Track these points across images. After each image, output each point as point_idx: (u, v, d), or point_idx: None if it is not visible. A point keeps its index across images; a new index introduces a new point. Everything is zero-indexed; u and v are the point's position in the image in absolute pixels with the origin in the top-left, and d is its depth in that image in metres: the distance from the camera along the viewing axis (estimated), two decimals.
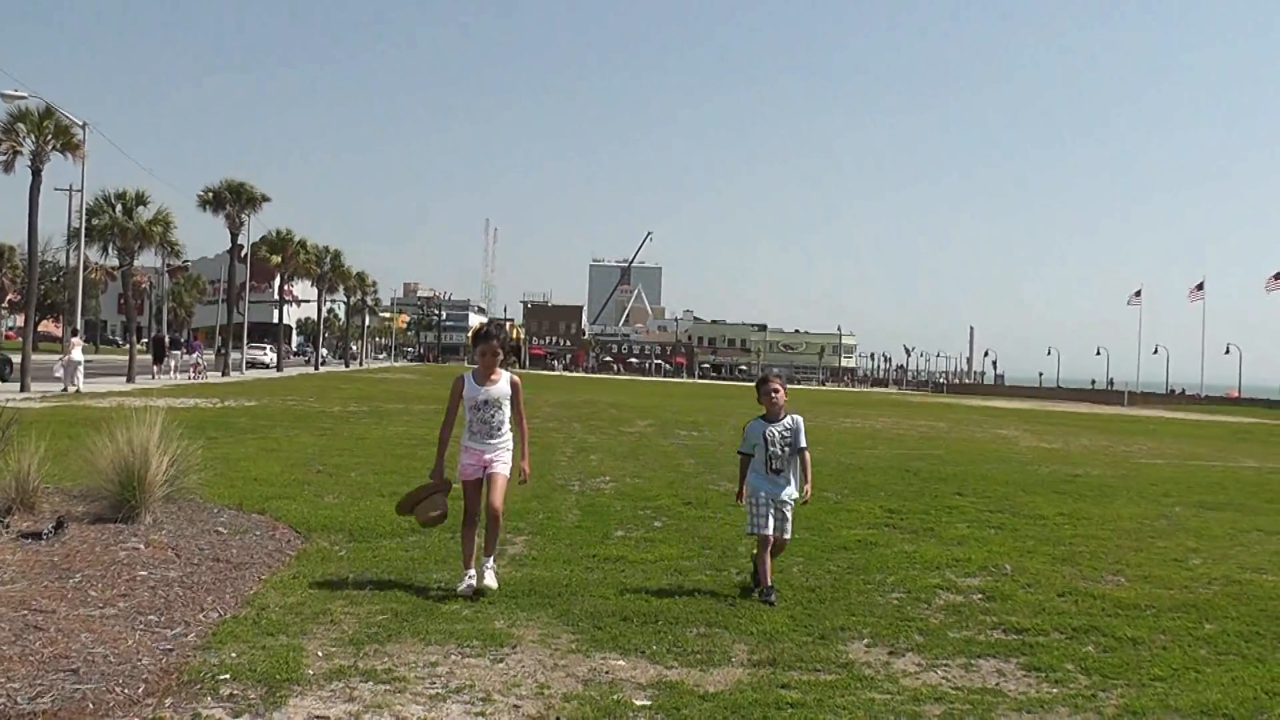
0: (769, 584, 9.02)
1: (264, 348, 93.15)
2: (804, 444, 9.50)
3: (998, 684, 7.03)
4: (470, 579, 8.82)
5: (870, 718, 6.24)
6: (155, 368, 54.76)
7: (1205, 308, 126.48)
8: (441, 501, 9.20)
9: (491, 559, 9.01)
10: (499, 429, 9.07)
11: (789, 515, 9.40)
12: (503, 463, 9.05)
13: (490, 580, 8.89)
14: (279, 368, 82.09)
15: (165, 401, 26.33)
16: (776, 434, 9.41)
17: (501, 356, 9.20)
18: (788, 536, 9.42)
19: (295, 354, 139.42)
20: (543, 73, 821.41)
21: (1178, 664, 7.60)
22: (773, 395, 9.51)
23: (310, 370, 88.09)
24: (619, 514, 13.64)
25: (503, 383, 9.12)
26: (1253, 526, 14.87)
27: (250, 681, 6.36)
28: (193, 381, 53.03)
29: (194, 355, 59.32)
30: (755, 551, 9.41)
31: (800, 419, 9.67)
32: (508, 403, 9.11)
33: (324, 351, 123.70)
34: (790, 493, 9.40)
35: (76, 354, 39.81)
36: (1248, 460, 29.55)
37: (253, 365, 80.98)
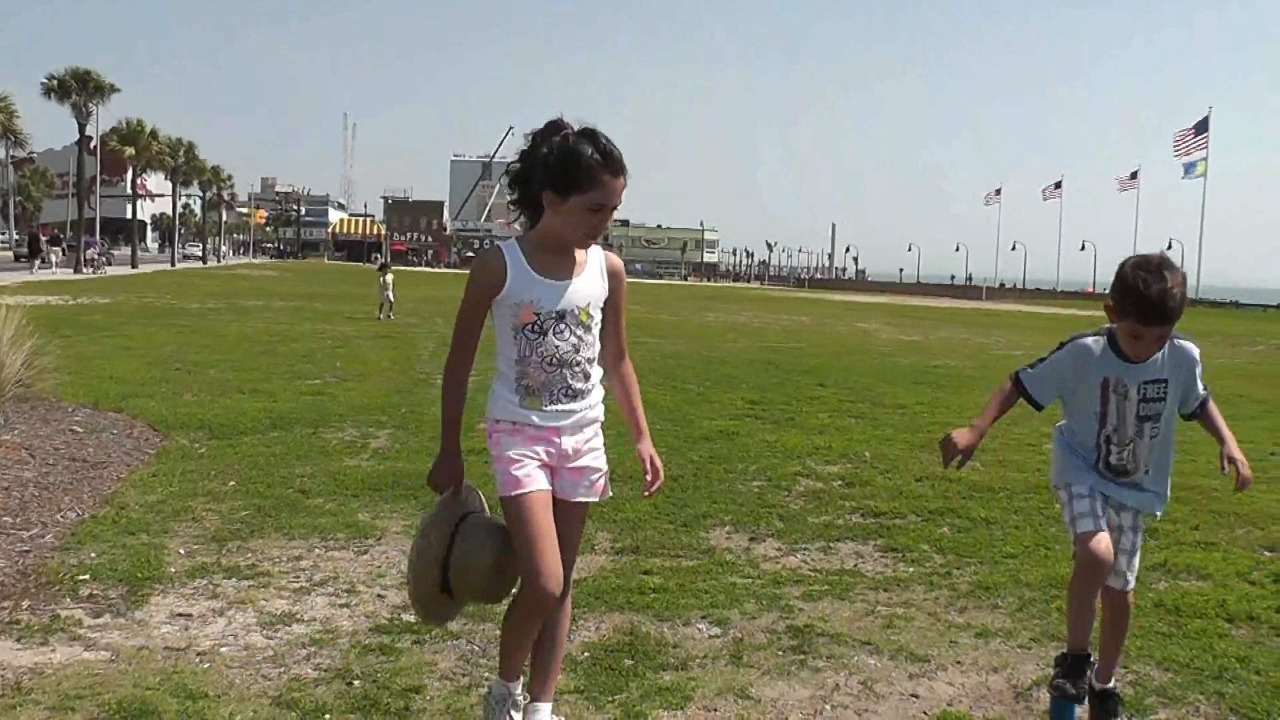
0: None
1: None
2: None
3: (856, 565, 7.21)
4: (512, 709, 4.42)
5: (731, 601, 6.35)
6: (33, 263, 53.85)
7: (1062, 206, 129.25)
8: (483, 531, 4.30)
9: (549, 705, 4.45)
10: (586, 376, 4.26)
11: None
12: (598, 466, 4.37)
13: None
14: (134, 264, 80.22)
15: (16, 299, 25.64)
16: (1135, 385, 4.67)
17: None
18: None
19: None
20: None
21: (1029, 541, 7.86)
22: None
23: (167, 266, 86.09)
24: (481, 406, 13.52)
25: (593, 271, 4.28)
26: None
27: (111, 581, 6.26)
28: (91, 276, 52.31)
29: (92, 250, 58.74)
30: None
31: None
32: (600, 315, 4.31)
33: (204, 248, 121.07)
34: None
35: None
36: None
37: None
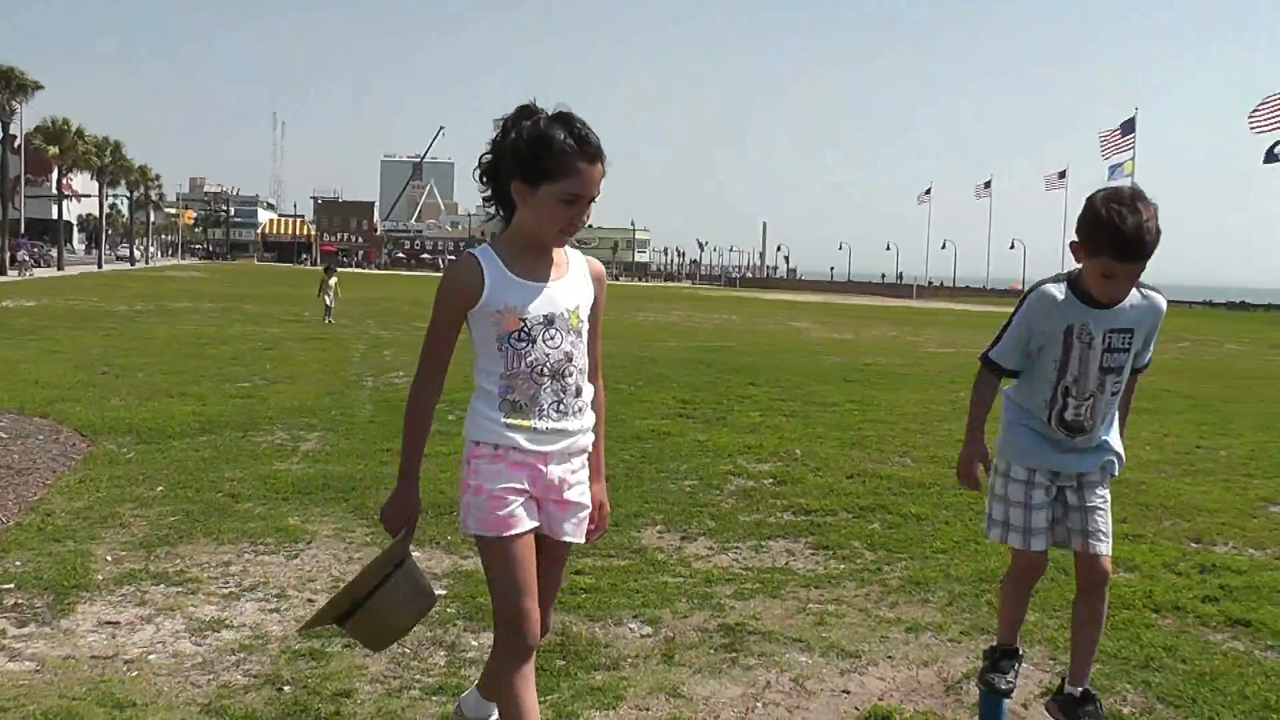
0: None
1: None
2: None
3: (787, 563, 7.24)
4: None
5: (663, 600, 6.36)
6: None
7: (992, 205, 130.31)
8: (409, 590, 3.90)
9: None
10: (578, 392, 3.85)
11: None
12: (585, 503, 3.95)
13: None
14: (59, 265, 79.12)
15: None
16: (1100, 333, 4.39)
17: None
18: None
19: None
20: None
21: (959, 536, 7.92)
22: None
23: (94, 269, 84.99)
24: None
25: (578, 273, 3.92)
26: None
27: (36, 590, 6.17)
28: (16, 279, 51.69)
29: (23, 251, 58.20)
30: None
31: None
32: (588, 324, 3.92)
33: (145, 251, 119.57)
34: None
35: None
36: None
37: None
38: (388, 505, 3.84)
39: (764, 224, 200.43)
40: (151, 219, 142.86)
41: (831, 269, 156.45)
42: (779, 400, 15.45)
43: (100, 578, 6.42)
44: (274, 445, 10.67)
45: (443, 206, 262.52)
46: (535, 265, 3.78)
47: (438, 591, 6.33)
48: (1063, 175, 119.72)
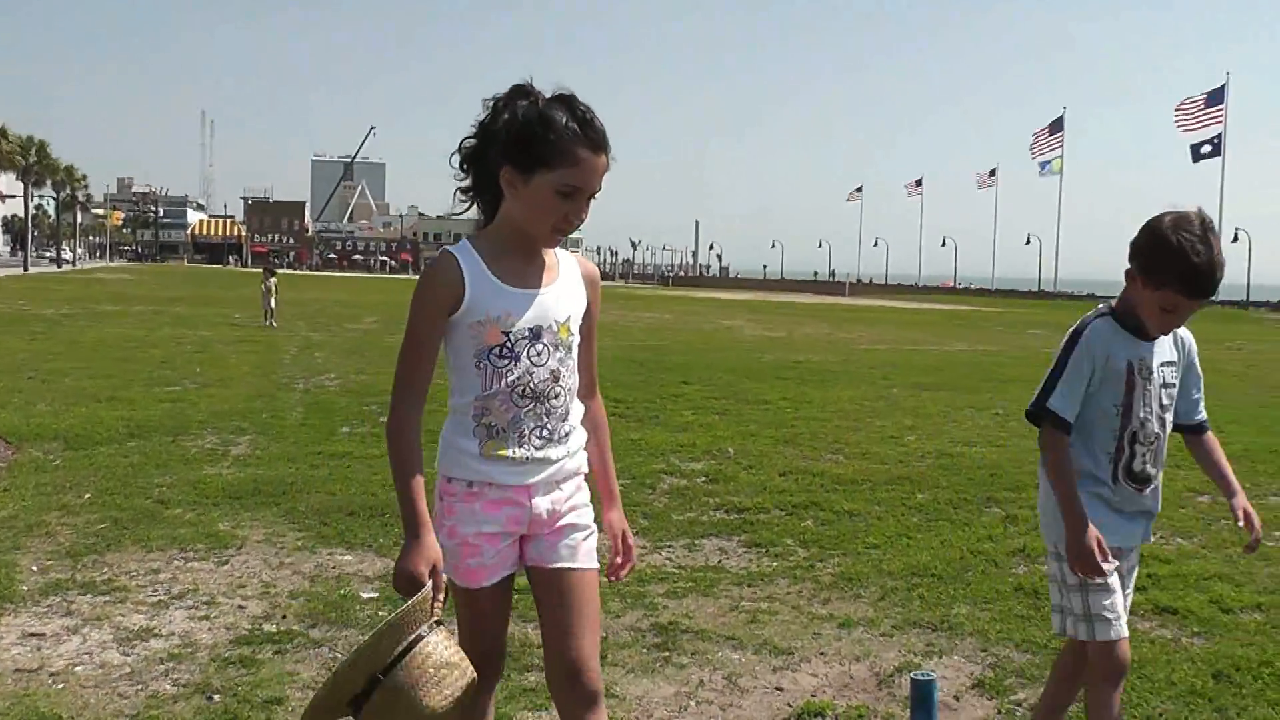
0: None
1: None
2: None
3: (720, 561, 7.26)
4: None
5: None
6: None
7: (923, 203, 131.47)
8: (443, 661, 3.00)
9: None
10: (565, 415, 3.37)
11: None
12: (583, 528, 3.44)
13: None
14: None
15: None
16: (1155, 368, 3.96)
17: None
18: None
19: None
20: None
21: (891, 532, 7.98)
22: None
23: (19, 271, 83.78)
24: (344, 410, 13.48)
25: (570, 278, 3.44)
26: (965, 404, 15.63)
27: None
28: None
29: None
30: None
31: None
32: (580, 336, 3.46)
33: (59, 252, 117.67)
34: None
35: None
36: (961, 344, 31.13)
37: None
38: (401, 560, 3.10)
39: (696, 222, 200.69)
40: (79, 220, 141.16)
41: (764, 267, 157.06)
42: (711, 399, 15.48)
43: (25, 589, 6.31)
44: (204, 450, 10.57)
45: (374, 207, 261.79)
46: (522, 268, 3.28)
47: (368, 595, 6.31)
48: (993, 174, 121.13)
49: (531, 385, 3.24)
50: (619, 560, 3.61)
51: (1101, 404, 3.89)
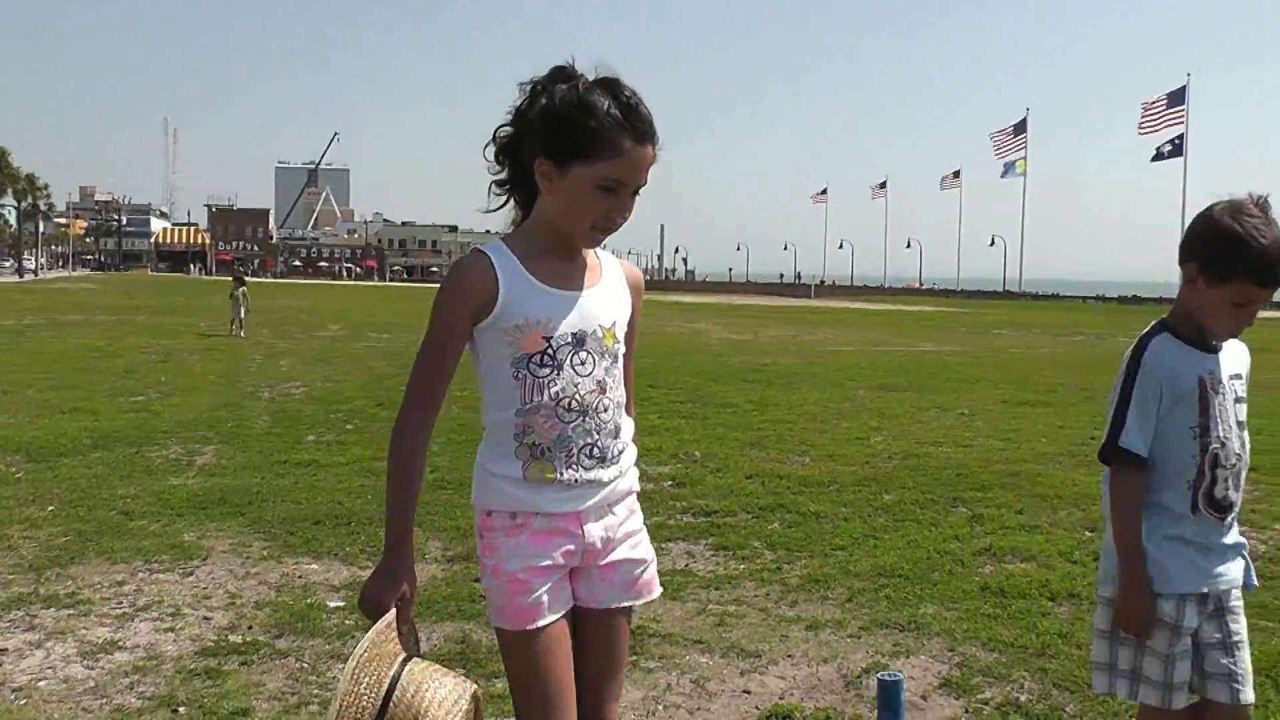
0: None
1: None
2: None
3: (687, 565, 7.25)
4: None
5: None
6: None
7: (888, 205, 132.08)
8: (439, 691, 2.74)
9: None
10: (615, 431, 3.03)
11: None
12: (640, 558, 3.10)
13: None
14: None
15: None
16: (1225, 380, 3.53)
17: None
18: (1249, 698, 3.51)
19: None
20: None
21: (858, 533, 7.99)
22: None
23: None
24: (310, 418, 13.44)
25: (614, 281, 3.09)
26: (931, 405, 15.72)
27: None
28: None
29: None
30: None
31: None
32: (624, 345, 3.10)
33: (20, 262, 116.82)
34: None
35: None
36: (927, 344, 31.35)
37: None
38: (370, 581, 2.83)
39: (661, 226, 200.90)
40: (41, 229, 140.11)
41: (730, 270, 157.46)
42: (678, 402, 15.50)
43: None
44: (169, 460, 10.50)
45: (339, 213, 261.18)
46: (564, 269, 2.94)
47: (335, 604, 6.28)
48: (956, 175, 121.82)
49: (578, 397, 2.88)
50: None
51: (1175, 430, 3.44)
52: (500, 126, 2.92)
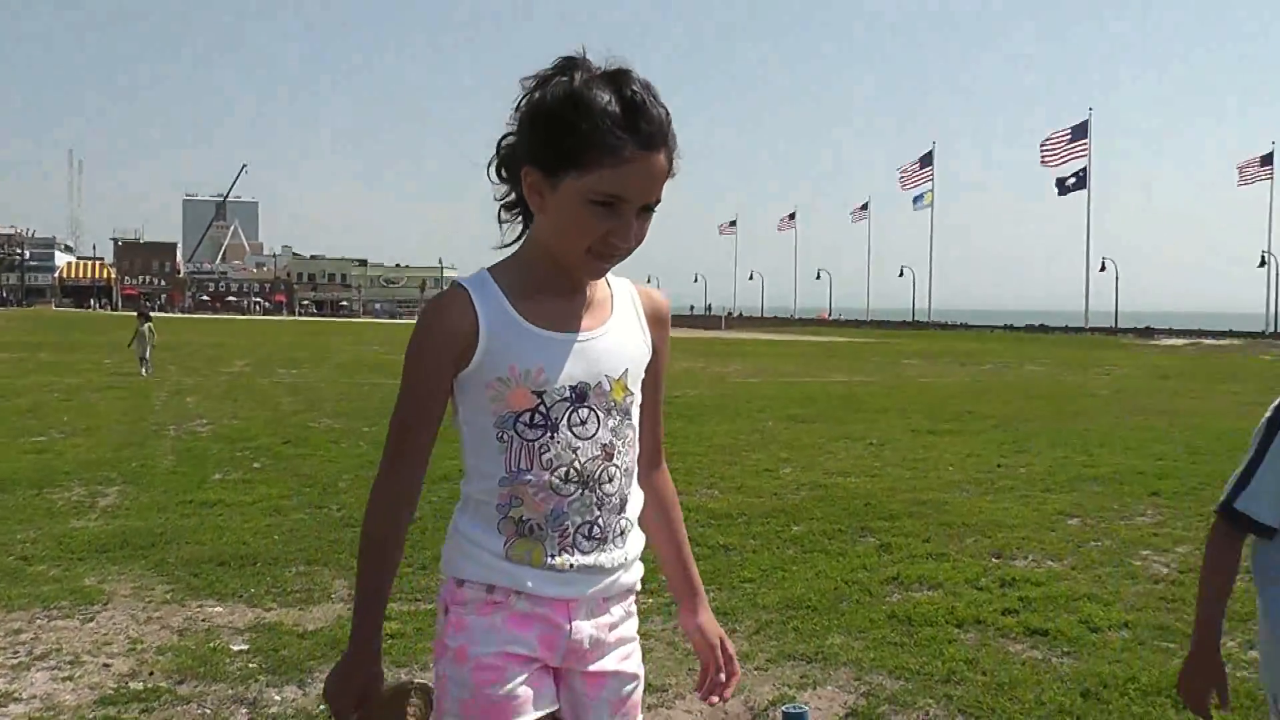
0: None
1: None
2: None
3: None
4: None
5: None
6: None
7: (796, 236, 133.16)
8: None
9: None
10: (619, 506, 2.40)
11: None
12: (630, 673, 2.47)
13: None
14: None
15: None
16: None
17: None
18: None
19: None
20: None
21: (767, 565, 8.02)
22: None
23: None
24: (216, 456, 13.28)
25: (626, 317, 2.49)
26: (840, 435, 15.85)
27: None
28: None
29: None
30: None
31: None
32: (641, 394, 2.50)
33: None
34: None
35: None
36: (837, 375, 31.62)
37: None
38: (333, 675, 2.35)
39: None
40: None
41: None
42: None
43: None
44: (71, 502, 10.32)
45: (247, 247, 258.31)
46: (561, 306, 2.37)
47: (238, 647, 6.19)
48: (864, 207, 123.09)
49: (576, 465, 2.33)
50: (720, 676, 2.68)
51: None
52: (504, 136, 2.35)
